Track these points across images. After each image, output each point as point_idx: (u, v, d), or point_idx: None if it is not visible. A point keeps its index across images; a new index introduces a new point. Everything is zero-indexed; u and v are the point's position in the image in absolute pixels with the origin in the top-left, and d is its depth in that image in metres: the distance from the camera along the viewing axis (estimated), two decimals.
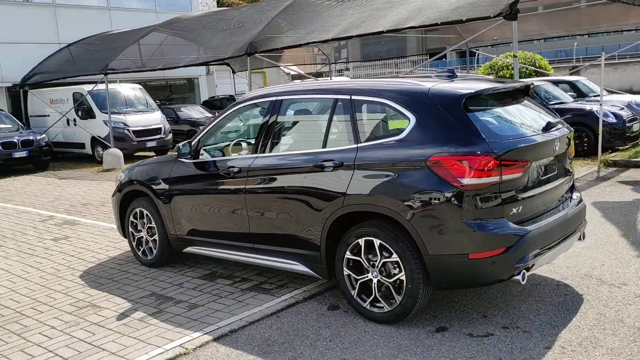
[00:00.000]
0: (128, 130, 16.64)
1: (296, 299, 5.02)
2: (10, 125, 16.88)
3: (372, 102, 4.52)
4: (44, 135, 16.32)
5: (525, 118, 4.53)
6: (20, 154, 15.50)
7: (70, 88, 17.61)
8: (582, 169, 10.46)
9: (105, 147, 16.11)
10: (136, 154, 17.03)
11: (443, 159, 4.00)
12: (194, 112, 20.84)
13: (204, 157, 5.62)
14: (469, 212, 3.95)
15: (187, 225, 5.76)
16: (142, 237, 6.30)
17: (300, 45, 11.82)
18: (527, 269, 4.12)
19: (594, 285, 4.96)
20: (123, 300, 5.34)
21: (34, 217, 9.60)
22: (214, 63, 15.24)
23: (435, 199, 4.03)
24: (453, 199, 3.96)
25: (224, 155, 5.57)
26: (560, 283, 5.07)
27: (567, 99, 12.93)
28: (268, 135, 5.12)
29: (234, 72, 24.24)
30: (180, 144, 5.73)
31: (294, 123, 5.22)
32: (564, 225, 4.45)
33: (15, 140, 15.54)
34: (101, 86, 16.74)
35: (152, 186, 6.00)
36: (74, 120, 17.35)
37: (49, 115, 18.21)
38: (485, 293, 4.91)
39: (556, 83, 14.28)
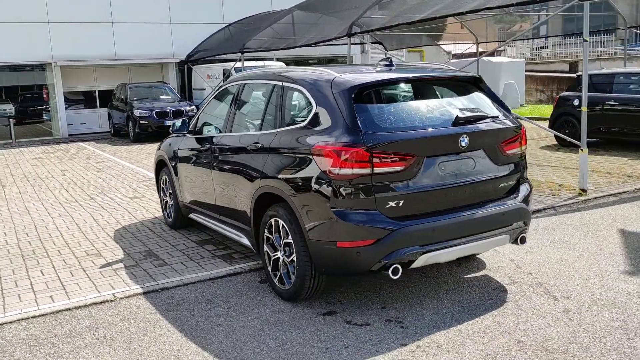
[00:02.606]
0: None
1: (242, 269, 5.45)
2: (170, 97, 19.26)
3: (294, 89, 4.70)
4: (193, 107, 18.32)
5: (435, 110, 4.35)
6: (170, 122, 17.59)
7: (221, 65, 19.42)
8: None
9: None
10: None
11: (321, 148, 4.10)
12: None
13: (202, 134, 6.20)
14: (338, 201, 4.01)
15: (187, 194, 6.45)
16: (167, 201, 7.16)
17: (391, 27, 11.76)
18: (403, 265, 4.06)
19: (532, 294, 4.61)
20: (122, 253, 6.22)
21: (139, 177, 11.14)
22: (322, 44, 15.39)
23: (313, 187, 4.15)
24: (325, 187, 4.05)
25: (220, 132, 6.10)
26: (501, 287, 4.79)
27: None
28: (231, 116, 5.56)
29: (386, 50, 24.49)
30: (176, 121, 6.41)
31: (247, 106, 5.55)
32: (469, 225, 4.23)
33: (168, 110, 17.72)
34: (248, 63, 18.26)
35: (168, 157, 6.80)
36: None
37: (205, 89, 20.32)
38: (412, 286, 4.85)
39: None
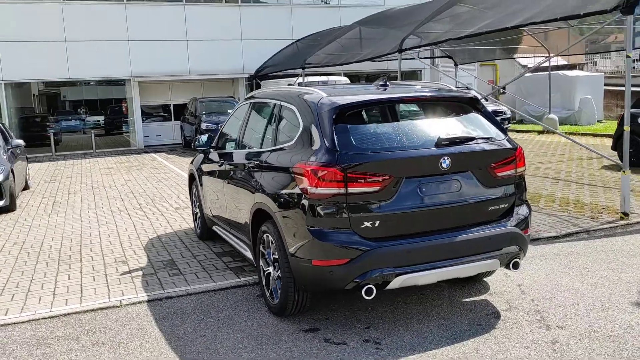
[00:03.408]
0: None
1: (247, 282, 5.59)
2: None
3: (288, 108, 4.81)
4: None
5: (419, 131, 4.31)
6: None
7: (286, 80, 19.85)
8: None
9: None
10: None
11: (300, 167, 4.18)
12: None
13: (220, 150, 6.44)
14: (314, 220, 4.06)
15: (209, 207, 6.70)
16: (197, 212, 7.45)
17: (437, 43, 11.59)
18: (378, 285, 4.04)
19: (525, 322, 4.44)
20: (146, 261, 6.55)
21: None
22: (376, 59, 15.18)
23: (293, 205, 4.23)
24: (303, 206, 4.12)
25: (232, 148, 6.28)
26: (495, 313, 4.64)
27: None
28: (242, 132, 5.75)
29: (456, 64, 24.10)
30: (202, 136, 6.68)
31: (253, 123, 5.69)
32: (449, 248, 4.15)
33: None
34: (312, 78, 18.62)
35: (196, 171, 7.10)
36: None
37: None
38: (404, 307, 4.80)
39: None
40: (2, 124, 12.61)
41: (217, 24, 22.07)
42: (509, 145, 4.48)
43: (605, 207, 8.11)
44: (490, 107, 21.03)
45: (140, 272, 6.11)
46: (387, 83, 4.76)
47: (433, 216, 4.19)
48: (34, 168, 16.95)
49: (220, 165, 6.08)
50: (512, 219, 4.47)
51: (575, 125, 21.47)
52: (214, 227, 6.75)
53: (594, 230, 6.98)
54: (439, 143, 4.19)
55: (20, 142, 11.34)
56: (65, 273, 6.23)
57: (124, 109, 24.04)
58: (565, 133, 19.48)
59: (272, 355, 4.07)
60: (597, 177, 10.76)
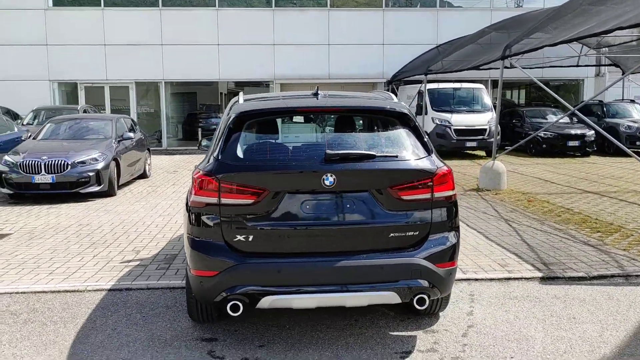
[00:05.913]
0: (449, 128, 17.38)
1: None
2: None
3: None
4: None
5: (313, 145, 3.99)
6: None
7: (416, 86, 19.37)
8: None
9: None
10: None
11: (194, 174, 4.13)
12: (549, 116, 19.66)
13: None
14: (192, 229, 3.99)
15: None
16: None
17: (532, 50, 10.35)
18: (246, 303, 3.84)
19: None
20: (154, 253, 6.89)
21: None
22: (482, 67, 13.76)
23: (186, 212, 4.21)
24: (187, 213, 4.08)
25: None
26: (406, 352, 4.13)
27: None
28: None
29: (623, 72, 21.45)
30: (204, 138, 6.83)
31: None
32: (329, 273, 3.78)
33: None
34: (444, 84, 18.07)
35: None
36: None
37: None
38: (322, 329, 4.48)
39: None
40: (132, 119, 14.12)
41: (359, 29, 22.26)
42: (425, 167, 3.95)
43: None
44: None
45: (138, 262, 6.47)
46: (319, 92, 4.48)
47: (316, 237, 3.87)
48: (174, 159, 18.64)
49: None
50: (421, 249, 3.94)
51: None
52: None
53: (637, 275, 5.82)
54: (328, 159, 3.84)
55: (131, 134, 12.54)
56: (83, 255, 6.82)
57: None
58: None
59: (146, 358, 4.09)
60: None
